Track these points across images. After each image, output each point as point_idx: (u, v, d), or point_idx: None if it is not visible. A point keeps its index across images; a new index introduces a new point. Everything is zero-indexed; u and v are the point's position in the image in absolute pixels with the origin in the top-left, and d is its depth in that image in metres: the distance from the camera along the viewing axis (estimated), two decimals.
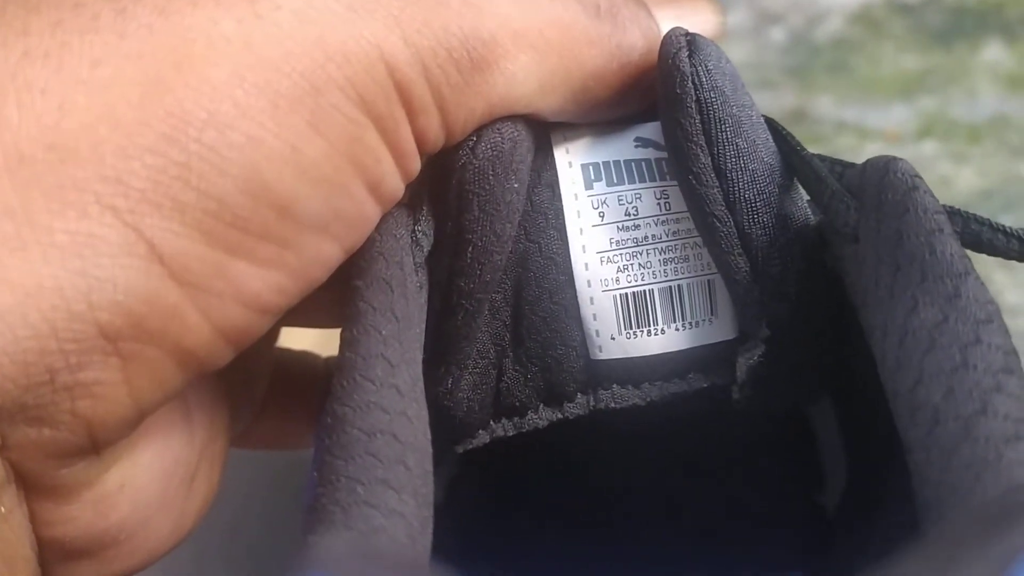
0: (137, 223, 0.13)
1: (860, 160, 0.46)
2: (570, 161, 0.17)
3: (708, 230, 0.17)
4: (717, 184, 0.16)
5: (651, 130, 0.18)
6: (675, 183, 0.17)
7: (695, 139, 0.16)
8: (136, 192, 0.13)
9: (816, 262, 0.17)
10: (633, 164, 0.17)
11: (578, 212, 0.17)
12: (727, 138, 0.16)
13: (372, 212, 0.15)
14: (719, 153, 0.16)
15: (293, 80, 0.14)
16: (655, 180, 0.17)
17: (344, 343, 0.14)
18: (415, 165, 0.16)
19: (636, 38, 0.17)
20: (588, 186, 0.17)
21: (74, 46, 0.13)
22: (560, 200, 0.17)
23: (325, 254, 0.15)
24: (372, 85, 0.14)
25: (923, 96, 0.43)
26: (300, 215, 0.14)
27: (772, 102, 0.43)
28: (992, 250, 0.14)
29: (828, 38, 0.45)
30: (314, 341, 0.26)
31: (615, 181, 0.17)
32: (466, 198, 0.16)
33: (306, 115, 0.14)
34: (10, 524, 0.14)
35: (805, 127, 0.42)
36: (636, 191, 0.17)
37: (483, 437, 0.19)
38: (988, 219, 0.14)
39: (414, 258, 0.16)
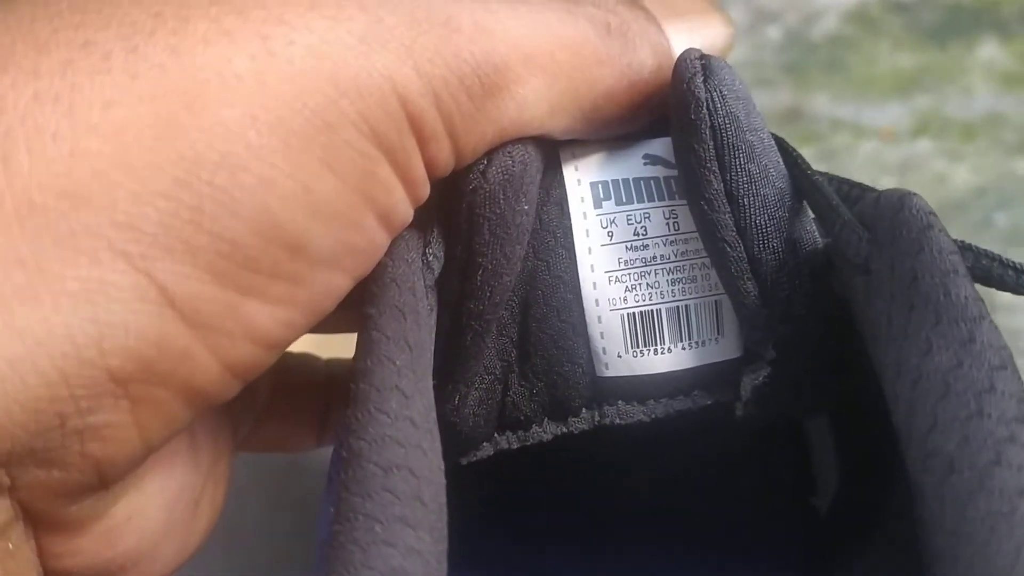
0: (149, 268, 0.13)
1: (856, 158, 0.46)
2: (579, 179, 0.17)
3: (718, 255, 0.17)
4: (729, 210, 0.16)
5: (660, 147, 0.18)
6: (684, 202, 0.17)
7: (708, 165, 0.16)
8: (148, 237, 0.13)
9: (823, 285, 0.17)
10: (642, 183, 0.17)
11: (587, 231, 0.17)
12: (740, 164, 0.16)
13: (382, 241, 0.15)
14: (732, 179, 0.16)
15: (306, 118, 0.13)
16: (664, 199, 0.17)
17: (358, 373, 0.14)
18: (425, 191, 0.15)
19: (646, 56, 0.17)
20: (597, 205, 0.17)
21: (85, 88, 0.13)
22: (569, 218, 0.17)
23: (335, 287, 0.15)
24: (384, 118, 0.14)
25: (918, 94, 0.43)
26: (312, 253, 0.14)
27: (768, 100, 0.43)
28: (1002, 285, 0.14)
29: (824, 36, 0.45)
30: (314, 343, 0.26)
31: (624, 200, 0.17)
32: (477, 222, 0.16)
33: (319, 153, 0.14)
34: (17, 560, 0.14)
35: (801, 125, 0.42)
36: (645, 211, 0.17)
37: (487, 449, 0.19)
38: (999, 255, 0.14)
39: (424, 281, 0.16)
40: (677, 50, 0.17)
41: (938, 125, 0.42)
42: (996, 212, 0.40)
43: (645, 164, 0.17)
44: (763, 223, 0.16)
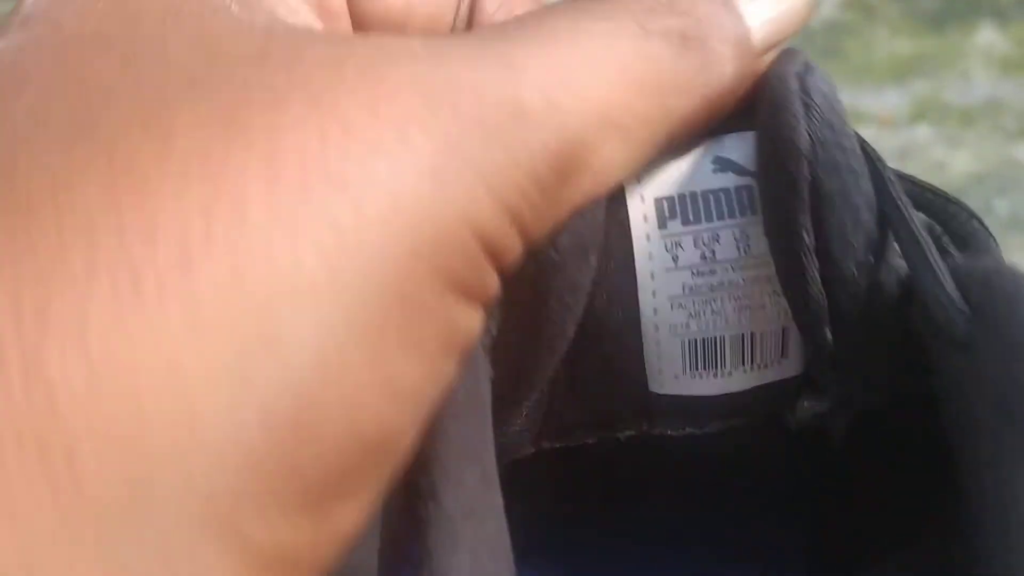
0: (237, 529, 0.11)
1: None
2: (642, 195, 0.16)
3: (801, 308, 0.16)
4: (818, 265, 0.15)
5: (731, 147, 0.16)
6: (756, 219, 0.16)
7: (801, 220, 0.15)
8: (230, 500, 0.11)
9: (900, 327, 0.16)
10: (711, 196, 0.16)
11: (650, 254, 0.16)
12: (835, 217, 0.15)
13: (455, 373, 0.14)
14: (824, 233, 0.15)
15: (384, 302, 0.12)
16: (734, 216, 0.16)
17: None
18: (496, 295, 0.14)
19: (727, 64, 0.15)
20: (662, 224, 0.16)
21: (138, 343, 0.11)
22: (630, 239, 0.16)
23: (408, 450, 0.13)
24: (463, 264, 0.12)
25: (916, 80, 0.43)
26: (394, 443, 0.13)
27: None
28: None
29: (822, 23, 0.44)
30: None
31: (691, 219, 0.16)
32: (542, 292, 0.15)
33: (399, 336, 0.12)
34: None
35: None
36: (714, 231, 0.16)
37: (528, 449, 0.19)
38: None
39: (484, 352, 0.15)
40: (753, 28, 0.16)
41: (937, 111, 0.42)
42: (996, 199, 0.40)
43: (715, 171, 0.16)
44: (850, 276, 0.15)
